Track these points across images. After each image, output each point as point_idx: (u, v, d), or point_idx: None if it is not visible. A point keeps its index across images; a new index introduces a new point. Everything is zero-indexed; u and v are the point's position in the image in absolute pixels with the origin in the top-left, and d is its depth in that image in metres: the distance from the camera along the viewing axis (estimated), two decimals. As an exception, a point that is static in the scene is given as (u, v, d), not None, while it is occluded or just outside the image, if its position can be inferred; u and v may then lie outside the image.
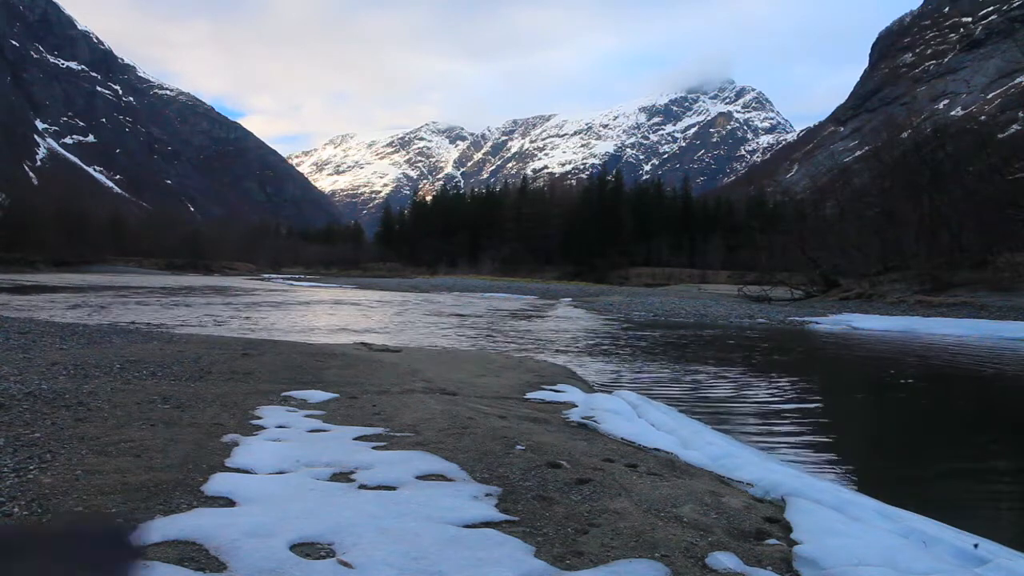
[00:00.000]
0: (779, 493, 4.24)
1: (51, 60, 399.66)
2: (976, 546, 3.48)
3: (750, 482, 4.53)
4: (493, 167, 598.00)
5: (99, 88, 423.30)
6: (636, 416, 6.75)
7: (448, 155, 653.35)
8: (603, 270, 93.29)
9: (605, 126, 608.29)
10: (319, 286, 58.66)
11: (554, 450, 4.77)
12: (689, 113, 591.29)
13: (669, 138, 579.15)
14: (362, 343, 12.41)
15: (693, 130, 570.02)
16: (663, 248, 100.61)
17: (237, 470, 3.98)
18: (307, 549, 2.90)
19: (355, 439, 4.93)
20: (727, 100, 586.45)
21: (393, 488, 3.80)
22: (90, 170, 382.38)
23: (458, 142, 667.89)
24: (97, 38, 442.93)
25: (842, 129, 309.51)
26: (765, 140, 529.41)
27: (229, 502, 3.43)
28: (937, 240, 34.74)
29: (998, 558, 3.34)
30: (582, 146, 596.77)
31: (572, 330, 19.75)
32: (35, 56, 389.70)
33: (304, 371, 8.02)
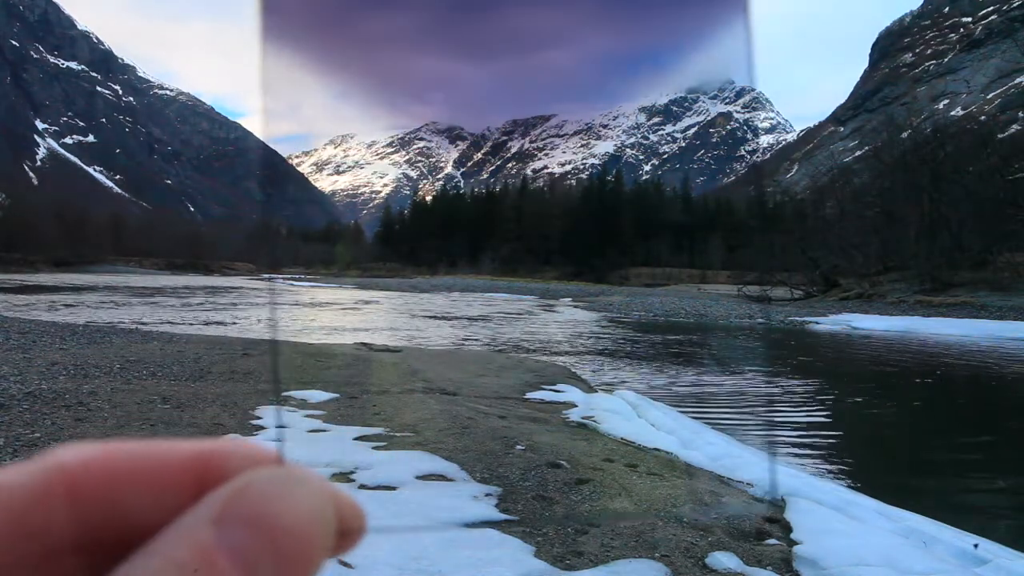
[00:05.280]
0: (779, 493, 4.24)
1: (51, 60, 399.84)
2: (976, 546, 3.48)
3: (750, 482, 4.53)
4: (493, 167, 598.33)
5: (99, 88, 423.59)
6: (636, 416, 6.76)
7: (448, 155, 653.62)
8: (603, 270, 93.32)
9: (605, 126, 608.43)
10: (319, 286, 58.64)
11: (554, 450, 4.77)
12: (689, 113, 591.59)
13: (669, 138, 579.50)
14: (362, 343, 12.41)
15: (693, 130, 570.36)
16: (663, 248, 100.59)
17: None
18: (307, 549, 2.89)
19: (355, 439, 4.93)
20: (727, 100, 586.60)
21: (393, 488, 3.81)
22: (90, 170, 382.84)
23: (458, 142, 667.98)
24: (97, 38, 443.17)
25: (842, 129, 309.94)
26: (765, 140, 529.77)
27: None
28: (937, 240, 34.68)
29: (998, 558, 3.34)
30: (582, 146, 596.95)
31: (572, 330, 19.74)
32: (35, 56, 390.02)
33: (304, 371, 8.02)
